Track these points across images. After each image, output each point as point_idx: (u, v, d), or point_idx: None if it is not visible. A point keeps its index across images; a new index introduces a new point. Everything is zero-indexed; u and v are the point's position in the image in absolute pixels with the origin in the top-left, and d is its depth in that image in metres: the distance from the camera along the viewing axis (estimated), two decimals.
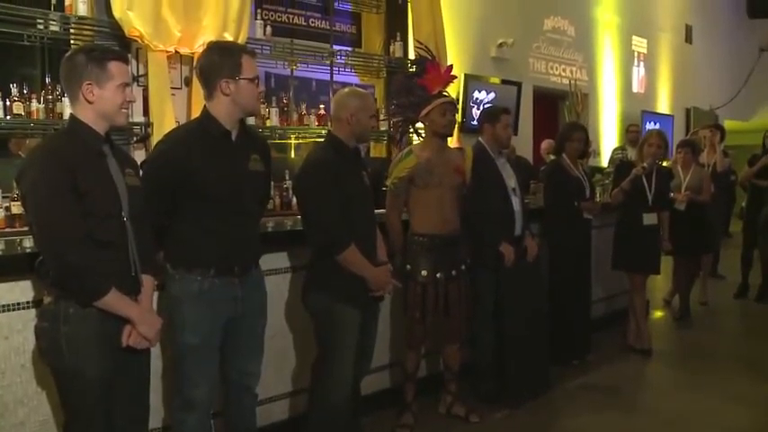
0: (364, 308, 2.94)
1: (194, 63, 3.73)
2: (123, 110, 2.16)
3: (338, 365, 2.88)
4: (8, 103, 3.86)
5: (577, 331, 4.63)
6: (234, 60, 2.44)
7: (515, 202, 3.91)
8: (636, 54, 10.63)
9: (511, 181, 3.93)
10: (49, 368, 2.16)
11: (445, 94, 3.59)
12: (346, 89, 3.09)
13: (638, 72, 10.73)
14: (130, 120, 4.07)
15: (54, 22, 4.11)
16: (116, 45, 4.28)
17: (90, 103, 2.10)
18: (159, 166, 2.46)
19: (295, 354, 3.37)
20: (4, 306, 2.41)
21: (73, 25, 4.15)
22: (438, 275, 3.45)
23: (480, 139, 3.97)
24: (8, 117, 3.84)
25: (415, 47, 5.58)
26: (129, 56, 4.32)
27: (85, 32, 4.22)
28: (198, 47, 4.43)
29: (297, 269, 3.30)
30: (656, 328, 5.56)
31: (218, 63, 2.45)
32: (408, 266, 3.47)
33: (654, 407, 3.96)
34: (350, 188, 2.86)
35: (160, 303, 2.64)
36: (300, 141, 5.54)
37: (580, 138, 4.66)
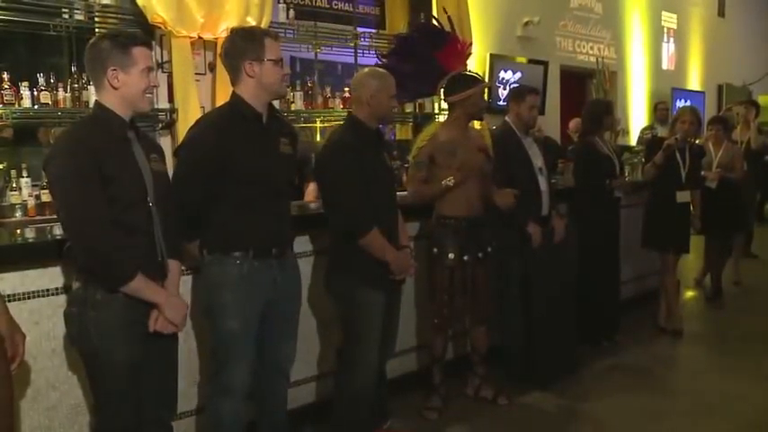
0: (388, 291, 2.93)
1: (218, 49, 3.74)
2: (147, 95, 2.17)
3: (363, 349, 2.88)
4: (35, 92, 3.91)
5: (606, 312, 4.58)
6: (257, 43, 2.44)
7: (542, 182, 3.87)
8: (665, 30, 10.40)
9: (537, 160, 3.88)
10: (78, 353, 2.20)
11: (476, 74, 3.55)
12: (366, 69, 3.06)
13: (668, 48, 10.51)
14: (155, 106, 4.10)
15: (79, 11, 4.17)
16: (140, 31, 4.33)
17: (115, 88, 2.11)
18: (194, 151, 2.45)
19: (319, 337, 3.38)
20: (34, 292, 2.45)
21: (97, 13, 4.20)
22: (465, 258, 3.43)
23: (507, 118, 3.93)
24: (36, 106, 3.90)
25: (437, 15, 5.51)
26: (153, 42, 4.35)
27: (110, 20, 4.26)
28: (221, 32, 4.44)
29: (319, 253, 3.29)
30: (687, 309, 5.48)
31: (242, 46, 2.45)
32: (435, 250, 3.46)
33: (684, 389, 3.92)
34: (372, 171, 2.83)
35: (194, 289, 2.65)
36: (326, 125, 5.54)
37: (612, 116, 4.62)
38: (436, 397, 3.59)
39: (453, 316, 3.50)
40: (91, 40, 2.17)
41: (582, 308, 4.34)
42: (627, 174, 5.27)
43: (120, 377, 2.11)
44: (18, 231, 3.08)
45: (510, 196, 3.52)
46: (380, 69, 3.06)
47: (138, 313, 2.13)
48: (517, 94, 3.95)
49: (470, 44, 3.62)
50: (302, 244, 3.27)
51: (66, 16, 4.13)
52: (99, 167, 2.02)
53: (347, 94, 5.35)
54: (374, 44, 5.95)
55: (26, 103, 3.91)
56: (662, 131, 7.01)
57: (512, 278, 3.83)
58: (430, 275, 3.50)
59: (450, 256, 3.42)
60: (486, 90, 3.49)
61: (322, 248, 3.23)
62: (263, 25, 4.63)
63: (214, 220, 2.47)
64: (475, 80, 3.51)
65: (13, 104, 3.91)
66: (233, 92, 2.53)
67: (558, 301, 3.98)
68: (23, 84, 3.95)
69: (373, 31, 6.08)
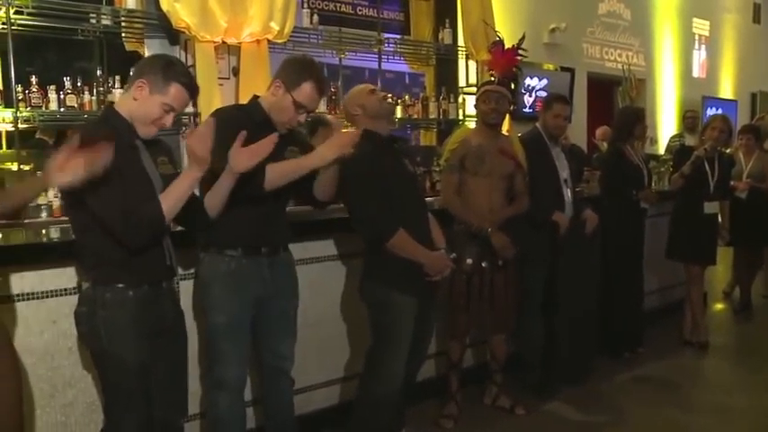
0: (421, 297, 2.90)
1: (241, 54, 3.76)
2: (151, 125, 2.14)
3: (392, 357, 2.86)
4: (62, 95, 3.98)
5: (629, 323, 4.50)
6: (301, 76, 2.48)
7: (566, 193, 3.82)
8: (697, 37, 10.24)
9: (564, 171, 3.84)
10: (89, 352, 2.21)
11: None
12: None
13: (699, 56, 10.34)
14: None
15: (105, 16, 4.23)
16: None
17: (134, 99, 2.12)
18: None
19: (340, 341, 3.37)
20: (51, 291, 2.48)
21: (123, 18, 4.26)
22: (483, 264, 3.40)
23: (537, 124, 3.91)
24: (62, 109, 3.97)
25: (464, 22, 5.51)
26: (178, 47, 4.41)
27: (135, 25, 4.33)
28: (244, 37, 4.47)
29: (344, 256, 3.29)
30: (714, 321, 5.37)
31: (287, 69, 2.52)
32: (453, 255, 3.43)
33: (709, 403, 3.82)
34: (392, 177, 2.83)
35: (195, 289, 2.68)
36: (350, 130, 5.53)
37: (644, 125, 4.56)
38: (452, 405, 3.55)
39: (471, 323, 3.47)
40: (159, 53, 2.20)
41: (604, 318, 4.27)
42: (654, 184, 5.17)
43: (129, 376, 2.12)
44: (43, 231, 3.14)
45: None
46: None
47: (148, 312, 2.14)
48: (546, 101, 3.95)
49: (516, 49, 3.59)
50: (326, 248, 3.28)
51: (94, 21, 4.20)
52: (114, 167, 2.02)
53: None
54: (399, 50, 5.96)
55: (53, 105, 3.98)
56: (690, 140, 6.89)
57: (535, 286, 3.78)
58: (448, 281, 3.48)
59: (468, 261, 3.39)
60: (487, 94, 3.44)
61: (346, 252, 3.25)
62: (287, 30, 4.66)
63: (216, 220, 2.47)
64: (482, 86, 3.57)
65: (41, 107, 3.99)
66: (254, 95, 2.59)
67: (580, 311, 3.93)
68: (51, 87, 4.03)
69: (398, 36, 6.08)
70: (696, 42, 10.24)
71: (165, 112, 2.12)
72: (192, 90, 2.18)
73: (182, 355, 2.33)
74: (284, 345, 2.67)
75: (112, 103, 3.59)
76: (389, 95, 5.21)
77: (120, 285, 2.10)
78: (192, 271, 2.71)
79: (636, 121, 4.55)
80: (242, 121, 2.39)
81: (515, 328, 3.65)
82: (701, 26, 10.28)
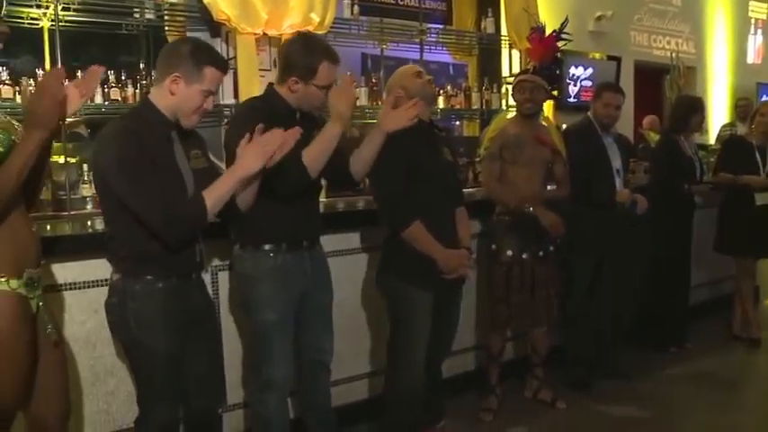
0: (438, 290, 2.85)
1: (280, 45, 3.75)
2: (194, 115, 2.14)
3: (410, 346, 2.83)
4: (106, 89, 4.05)
5: (676, 317, 4.39)
6: (311, 63, 2.40)
7: (618, 184, 3.74)
8: (753, 21, 9.87)
9: (616, 162, 3.77)
10: (120, 343, 2.24)
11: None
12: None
13: (755, 41, 9.96)
14: (221, 101, 4.18)
15: (149, 10, 4.28)
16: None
17: (172, 95, 2.10)
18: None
19: (371, 334, 3.37)
20: (93, 282, 2.53)
21: (166, 12, 4.30)
22: (524, 256, 3.36)
23: (588, 114, 3.84)
24: (106, 102, 4.04)
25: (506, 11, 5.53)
26: (219, 39, 4.44)
27: (178, 18, 4.37)
28: (285, 28, 4.47)
29: (370, 249, 3.28)
30: (765, 317, 5.19)
31: (295, 61, 2.43)
32: (493, 246, 3.40)
33: (760, 401, 3.71)
34: (425, 164, 2.78)
35: (231, 283, 2.67)
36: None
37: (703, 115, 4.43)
38: (492, 398, 3.52)
39: (511, 315, 3.42)
40: (177, 39, 2.17)
41: (650, 312, 4.17)
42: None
43: (160, 367, 2.14)
44: (88, 223, 3.20)
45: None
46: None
47: (177, 303, 2.15)
48: (596, 89, 3.90)
49: (556, 36, 3.52)
50: (352, 240, 3.28)
51: (138, 15, 4.27)
52: (150, 160, 2.03)
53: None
54: (441, 40, 5.89)
55: (97, 99, 4.05)
56: (742, 129, 6.66)
57: (582, 276, 3.70)
58: (488, 273, 3.45)
59: (509, 253, 3.36)
60: (521, 84, 3.42)
61: (373, 245, 3.22)
62: (327, 22, 4.65)
63: (246, 213, 2.41)
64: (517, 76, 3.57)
65: (86, 101, 4.05)
66: (270, 84, 2.53)
67: (626, 301, 3.86)
68: None
69: (440, 26, 6.01)
70: (752, 27, 9.87)
71: (204, 97, 2.12)
72: (224, 67, 2.18)
73: (215, 344, 2.35)
74: (324, 338, 2.65)
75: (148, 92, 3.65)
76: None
77: (150, 277, 2.10)
78: (227, 262, 2.69)
79: (693, 111, 4.39)
80: (264, 113, 2.33)
81: (561, 319, 3.59)
82: (758, 9, 9.90)
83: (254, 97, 2.70)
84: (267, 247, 2.45)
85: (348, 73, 2.56)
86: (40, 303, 2.02)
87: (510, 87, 6.14)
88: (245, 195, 2.25)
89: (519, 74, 3.65)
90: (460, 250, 2.90)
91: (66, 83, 2.03)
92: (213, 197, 2.06)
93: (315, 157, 2.30)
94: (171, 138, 2.15)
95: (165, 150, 2.11)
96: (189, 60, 2.08)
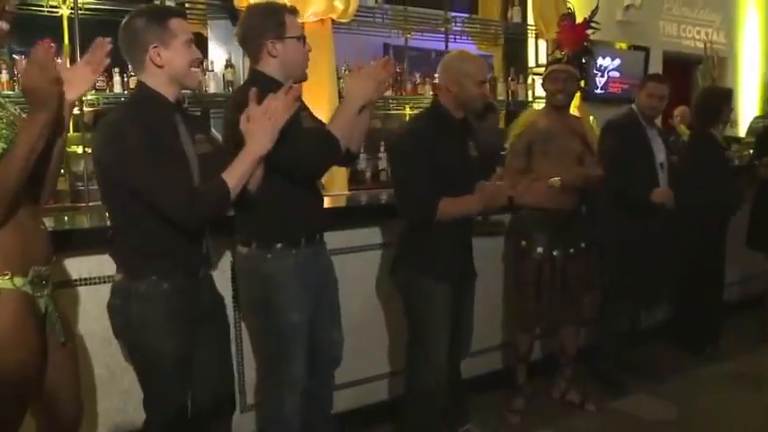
0: (455, 283, 2.74)
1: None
2: (193, 69, 2.04)
3: (431, 343, 2.71)
4: (125, 78, 3.99)
5: (710, 315, 4.24)
6: (277, 20, 2.30)
7: (662, 179, 3.61)
8: None
9: (660, 155, 3.64)
10: (124, 345, 2.15)
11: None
12: (455, 52, 2.87)
13: None
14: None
15: None
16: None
17: (160, 67, 1.98)
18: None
19: (390, 334, 3.26)
20: (109, 276, 2.42)
21: (186, 0, 4.23)
22: (555, 253, 3.24)
23: (633, 105, 3.72)
24: (125, 92, 3.98)
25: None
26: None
27: (198, 6, 4.30)
28: (308, 16, 4.37)
29: (390, 245, 3.14)
30: None
31: (261, 24, 2.31)
32: (523, 243, 3.29)
33: None
34: (449, 160, 2.63)
35: (242, 284, 2.52)
36: (415, 112, 5.42)
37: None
38: (519, 398, 3.42)
39: (540, 314, 3.31)
40: (124, 21, 2.01)
41: (684, 310, 4.04)
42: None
43: (167, 370, 2.04)
44: (106, 215, 3.12)
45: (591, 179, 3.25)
46: (470, 53, 2.86)
47: (182, 304, 2.04)
48: (641, 80, 3.81)
49: (587, 23, 3.40)
50: (372, 236, 3.16)
51: (158, 3, 4.19)
52: (160, 145, 1.93)
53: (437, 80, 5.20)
54: (466, 29, 5.77)
55: (117, 88, 4.00)
56: None
57: (619, 272, 3.58)
58: (516, 270, 3.34)
59: (539, 250, 3.24)
60: (553, 74, 3.30)
61: (392, 241, 3.10)
62: (351, 10, 4.54)
63: (262, 210, 2.29)
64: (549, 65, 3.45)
65: (105, 90, 4.02)
66: (251, 70, 2.39)
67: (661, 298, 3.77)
68: (115, 70, 4.04)
69: (466, 15, 5.89)
70: None
71: (189, 47, 2.01)
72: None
73: (224, 341, 2.26)
74: (335, 330, 2.58)
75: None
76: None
77: (154, 278, 1.99)
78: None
79: (723, 103, 4.22)
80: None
81: (599, 316, 3.47)
82: None
83: (242, 84, 2.56)
84: (285, 244, 2.34)
85: (372, 62, 2.41)
86: (49, 304, 1.90)
87: (536, 78, 6.07)
88: (256, 172, 2.11)
89: (550, 63, 3.54)
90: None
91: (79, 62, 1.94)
92: (234, 179, 1.97)
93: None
94: (174, 121, 2.04)
95: (172, 135, 2.01)
96: (151, 27, 1.96)
